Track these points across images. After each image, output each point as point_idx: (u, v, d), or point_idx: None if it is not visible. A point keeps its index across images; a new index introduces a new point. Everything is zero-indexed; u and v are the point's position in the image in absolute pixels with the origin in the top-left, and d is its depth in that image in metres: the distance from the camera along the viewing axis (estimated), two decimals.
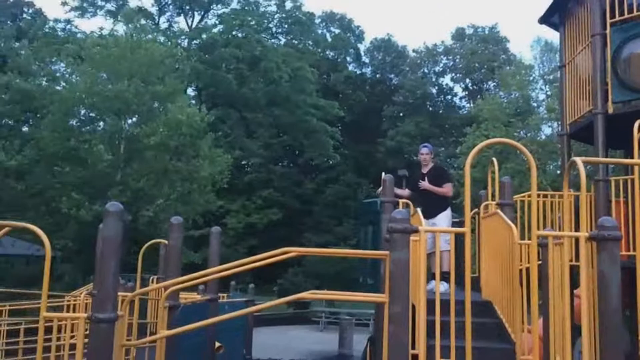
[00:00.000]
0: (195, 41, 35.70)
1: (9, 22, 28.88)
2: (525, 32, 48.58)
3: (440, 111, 44.22)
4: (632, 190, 5.98)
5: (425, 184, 6.66)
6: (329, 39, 45.44)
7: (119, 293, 4.73)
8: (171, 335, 4.39)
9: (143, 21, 26.24)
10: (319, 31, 44.42)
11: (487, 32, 43.49)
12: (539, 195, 7.25)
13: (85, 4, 34.43)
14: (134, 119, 21.01)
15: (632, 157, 5.86)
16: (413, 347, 3.89)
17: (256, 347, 12.80)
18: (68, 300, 9.85)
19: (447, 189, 6.84)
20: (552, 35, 30.70)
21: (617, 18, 6.63)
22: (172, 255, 5.06)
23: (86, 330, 3.93)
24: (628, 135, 5.84)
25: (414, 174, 7.52)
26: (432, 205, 6.60)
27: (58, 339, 5.60)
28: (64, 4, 33.64)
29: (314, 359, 14.85)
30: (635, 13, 6.54)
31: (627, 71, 6.43)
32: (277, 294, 26.57)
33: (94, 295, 5.72)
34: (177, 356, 5.02)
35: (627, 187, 6.26)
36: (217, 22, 37.43)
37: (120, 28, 27.00)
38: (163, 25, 37.89)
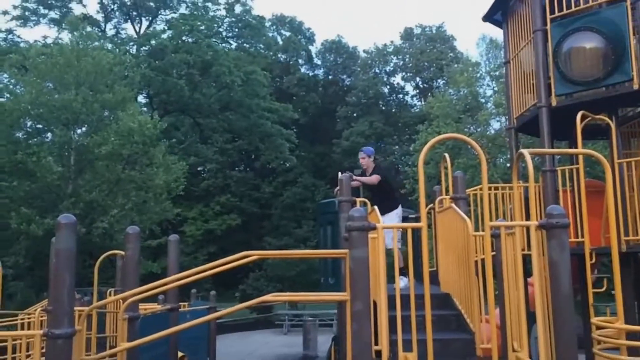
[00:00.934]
0: (144, 47, 35.03)
1: None
2: (471, 30, 49.91)
3: (393, 110, 44.85)
4: (578, 179, 6.24)
5: (354, 183, 6.60)
6: (280, 42, 45.44)
7: (76, 307, 4.62)
8: (132, 347, 4.31)
9: (89, 28, 25.58)
10: (270, 34, 44.32)
11: (434, 31, 44.39)
12: (490, 188, 7.46)
13: (27, 13, 33.30)
14: (84, 129, 20.45)
15: (576, 147, 6.11)
16: (376, 343, 3.95)
17: (220, 355, 12.64)
18: (22, 319, 9.50)
19: (372, 177, 6.83)
20: (497, 33, 31.59)
21: (557, 14, 6.89)
22: (129, 266, 4.97)
23: (43, 348, 3.82)
24: (572, 126, 6.09)
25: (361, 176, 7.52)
26: (379, 205, 6.62)
27: (13, 359, 5.41)
28: (5, 13, 32.46)
29: None
30: (573, 8, 6.82)
31: (568, 65, 6.69)
32: (239, 300, 26.37)
33: (49, 311, 5.56)
34: None
35: (573, 177, 6.51)
36: (165, 27, 36.83)
37: (65, 36, 26.24)
38: (110, 32, 37.08)
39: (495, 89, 27.01)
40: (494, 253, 4.39)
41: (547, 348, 3.81)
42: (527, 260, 4.45)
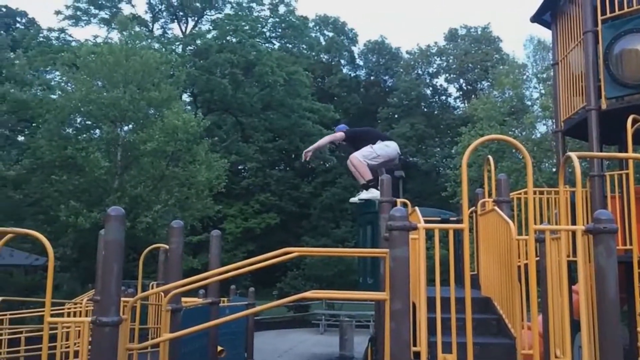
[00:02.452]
0: (189, 47, 35.74)
1: (2, 31, 28.82)
2: (518, 31, 48.91)
3: (435, 112, 44.40)
4: (627, 184, 6.05)
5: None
6: (323, 43, 45.59)
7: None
8: (174, 338, 4.41)
9: (137, 28, 26.25)
10: (313, 34, 44.55)
11: (479, 32, 43.75)
12: (535, 192, 7.31)
13: (78, 13, 34.43)
14: (130, 126, 21.00)
15: (626, 152, 5.93)
16: (414, 344, 3.93)
17: (257, 351, 12.80)
18: (68, 308, 9.84)
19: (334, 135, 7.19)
20: (545, 34, 30.88)
21: (608, 15, 6.70)
22: (173, 259, 5.08)
23: (89, 336, 3.95)
24: (622, 131, 5.91)
25: None
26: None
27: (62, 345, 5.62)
28: (58, 12, 33.69)
29: None
30: (626, 9, 6.62)
31: (619, 67, 6.50)
32: (276, 298, 26.55)
33: (96, 300, 5.75)
34: None
35: (622, 182, 6.32)
36: (210, 27, 37.50)
37: (115, 36, 27.02)
38: (157, 31, 38.00)
39: (542, 91, 26.40)
40: (537, 258, 4.30)
41: (591, 356, 3.72)
42: (571, 268, 4.35)
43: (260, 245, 31.33)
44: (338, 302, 23.92)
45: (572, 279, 5.01)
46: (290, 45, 41.93)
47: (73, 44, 30.86)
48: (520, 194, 7.47)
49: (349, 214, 37.09)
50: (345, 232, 36.06)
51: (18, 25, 35.67)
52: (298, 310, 25.21)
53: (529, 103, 27.39)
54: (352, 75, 46.48)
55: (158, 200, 19.55)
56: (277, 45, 41.25)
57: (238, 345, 9.94)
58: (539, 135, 25.33)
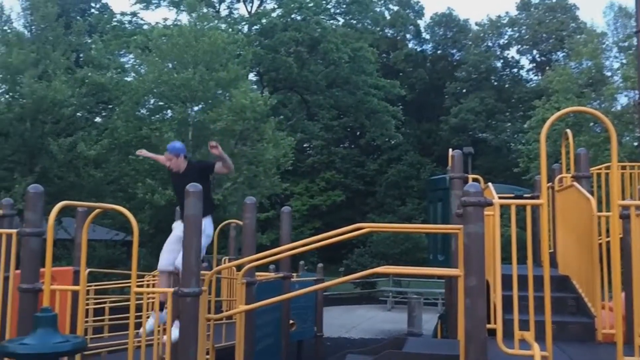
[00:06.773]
0: (255, 26, 36.05)
1: (79, 17, 30.10)
2: None
3: (506, 85, 42.85)
4: None
5: (217, 148, 5.10)
6: (388, 17, 44.77)
7: None
8: (250, 310, 4.56)
9: (205, 10, 26.71)
10: (377, 9, 43.79)
11: (554, 0, 41.59)
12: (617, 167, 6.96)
13: None
14: (200, 106, 21.53)
15: None
16: (487, 322, 3.88)
17: (326, 325, 13.00)
18: (147, 281, 10.34)
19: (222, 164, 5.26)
20: (627, 0, 28.93)
21: None
22: (247, 234, 5.23)
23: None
24: None
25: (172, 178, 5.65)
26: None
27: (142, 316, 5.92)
28: None
29: (384, 338, 14.95)
30: None
31: None
32: (343, 275, 26.81)
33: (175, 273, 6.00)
34: (254, 331, 5.22)
35: None
36: (275, 6, 37.63)
37: (184, 17, 27.61)
38: (224, 12, 38.50)
39: (624, 60, 24.87)
40: (620, 235, 4.12)
41: None
42: None
43: (326, 223, 31.62)
44: (405, 279, 23.87)
45: None
46: (354, 21, 41.43)
47: (144, 27, 31.78)
48: (600, 169, 7.13)
49: (415, 191, 36.72)
50: (411, 209, 35.77)
51: (93, 10, 37.12)
52: (365, 287, 25.38)
53: (608, 73, 25.88)
54: (418, 49, 45.51)
55: (227, 178, 20.03)
56: (341, 21, 40.87)
57: (308, 319, 10.17)
58: (619, 107, 23.95)
